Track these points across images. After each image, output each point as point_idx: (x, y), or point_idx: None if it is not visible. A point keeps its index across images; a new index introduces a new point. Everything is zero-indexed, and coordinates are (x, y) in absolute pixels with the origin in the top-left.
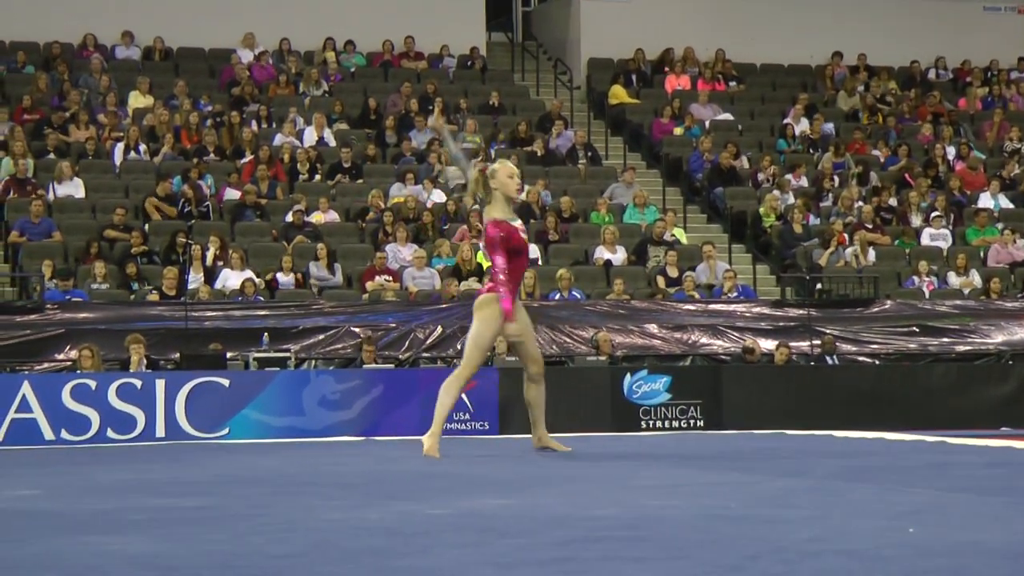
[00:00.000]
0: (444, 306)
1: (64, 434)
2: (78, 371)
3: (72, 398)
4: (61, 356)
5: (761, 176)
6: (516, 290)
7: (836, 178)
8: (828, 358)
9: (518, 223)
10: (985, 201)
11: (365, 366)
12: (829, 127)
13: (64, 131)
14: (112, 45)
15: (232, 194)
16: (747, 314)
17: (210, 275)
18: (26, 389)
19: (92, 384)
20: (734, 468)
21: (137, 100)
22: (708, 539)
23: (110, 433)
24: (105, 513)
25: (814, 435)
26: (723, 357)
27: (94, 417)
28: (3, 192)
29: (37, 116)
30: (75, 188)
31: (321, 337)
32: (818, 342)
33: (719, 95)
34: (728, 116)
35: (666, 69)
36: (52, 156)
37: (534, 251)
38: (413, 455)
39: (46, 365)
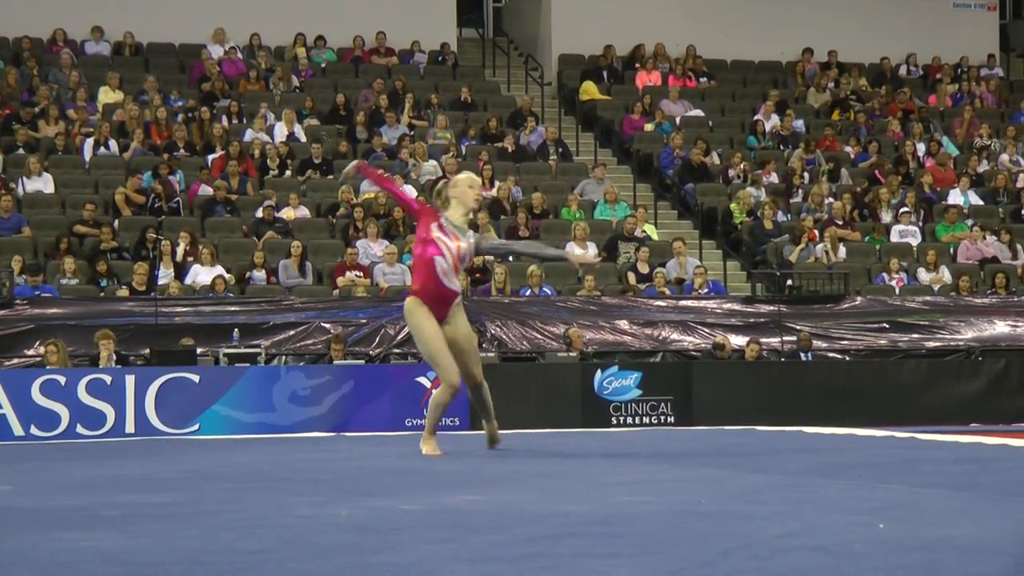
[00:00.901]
0: None
1: (34, 430)
2: (47, 367)
3: (41, 394)
4: (31, 352)
5: (732, 172)
6: (434, 306)
7: (806, 175)
8: (803, 355)
9: (453, 241)
10: (955, 197)
11: (336, 362)
12: (799, 124)
13: (33, 126)
14: (82, 40)
15: (205, 190)
16: (718, 310)
17: (180, 271)
18: None
19: (62, 380)
20: (705, 464)
21: (107, 95)
22: (680, 535)
23: (80, 429)
24: (76, 509)
25: (785, 431)
26: (694, 353)
27: (64, 413)
28: None
29: (6, 111)
30: (44, 183)
31: (292, 333)
32: (789, 338)
33: (690, 91)
34: (699, 112)
35: (637, 65)
36: (21, 151)
37: None
38: (384, 451)
39: (15, 361)
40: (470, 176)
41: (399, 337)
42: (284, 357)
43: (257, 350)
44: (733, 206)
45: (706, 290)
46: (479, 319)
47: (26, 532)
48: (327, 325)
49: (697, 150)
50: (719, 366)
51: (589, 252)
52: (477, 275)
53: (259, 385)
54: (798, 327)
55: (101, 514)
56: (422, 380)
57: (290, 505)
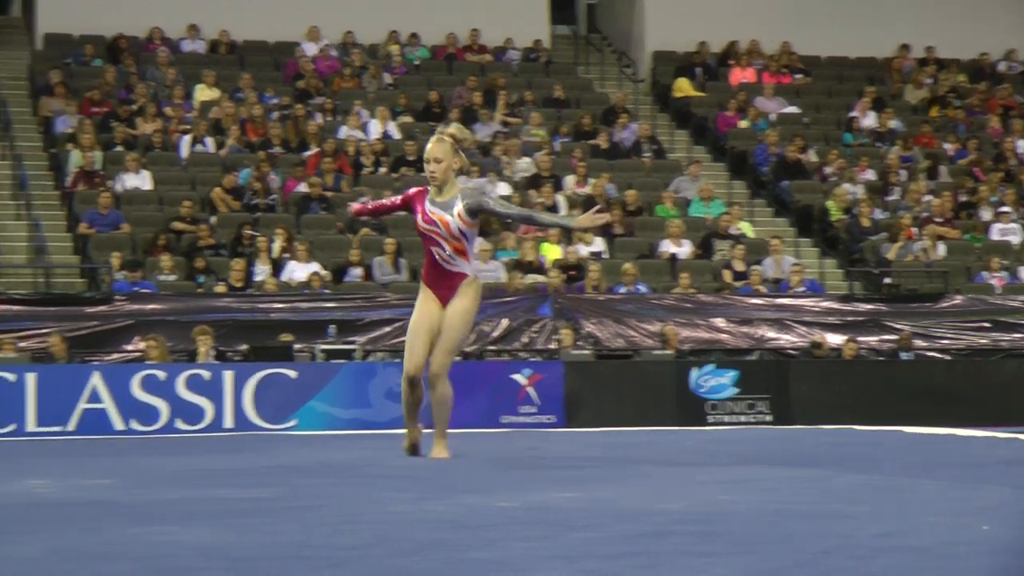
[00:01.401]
0: (509, 299)
1: (134, 424)
2: (147, 362)
3: (142, 389)
4: (130, 347)
5: (828, 170)
6: (437, 289)
7: (903, 172)
8: (902, 354)
9: (442, 224)
10: None
11: None
12: (896, 121)
13: (131, 124)
14: (178, 38)
15: (300, 187)
16: (815, 308)
17: (276, 267)
18: (96, 380)
19: (161, 375)
20: (803, 463)
21: (203, 93)
22: (778, 534)
23: (179, 424)
24: (174, 503)
25: (883, 431)
26: (791, 352)
27: (163, 408)
28: (72, 184)
29: (105, 109)
30: (142, 180)
31: (388, 329)
32: (888, 337)
33: (785, 88)
34: (794, 109)
35: (731, 62)
36: (120, 149)
37: (599, 244)
38: (478, 448)
39: (115, 356)
40: (427, 148)
41: (494, 334)
42: (380, 353)
43: (353, 346)
44: (830, 203)
45: (803, 288)
46: (574, 317)
47: (125, 526)
48: None
49: (793, 147)
50: (817, 365)
51: (683, 249)
52: (572, 272)
53: (355, 381)
54: (897, 326)
55: (199, 509)
56: (517, 377)
57: (386, 501)
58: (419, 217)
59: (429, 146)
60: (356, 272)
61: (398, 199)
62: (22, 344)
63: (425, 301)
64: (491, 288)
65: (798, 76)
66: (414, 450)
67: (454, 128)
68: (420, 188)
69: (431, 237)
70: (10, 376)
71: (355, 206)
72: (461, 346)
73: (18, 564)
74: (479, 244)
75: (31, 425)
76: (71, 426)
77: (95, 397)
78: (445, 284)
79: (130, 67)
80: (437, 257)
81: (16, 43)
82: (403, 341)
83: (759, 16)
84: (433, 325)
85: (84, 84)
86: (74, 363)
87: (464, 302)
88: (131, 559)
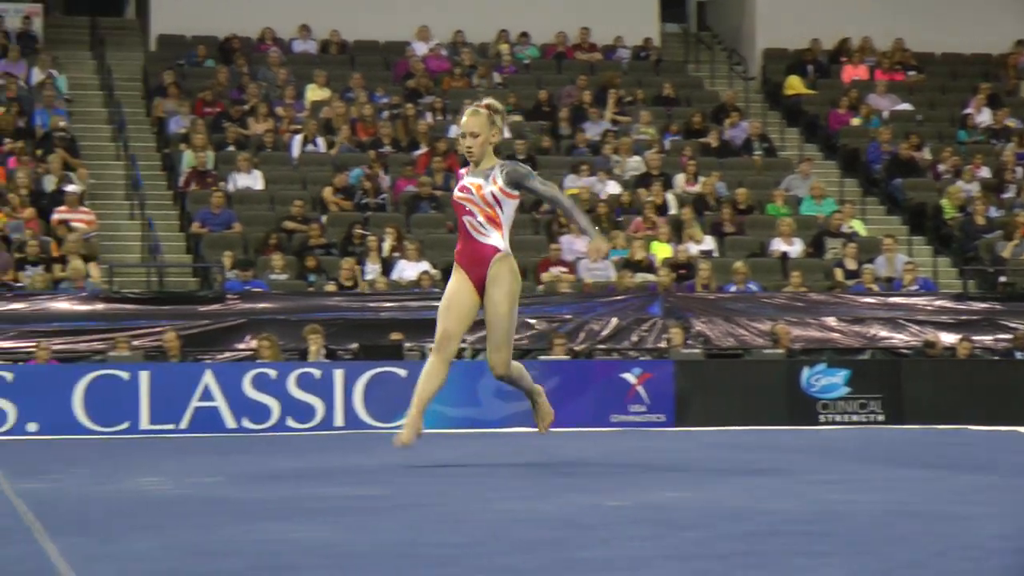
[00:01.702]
0: (619, 298)
1: (245, 422)
2: (258, 361)
3: (253, 387)
4: (242, 346)
5: (941, 167)
6: (469, 268)
7: (1019, 169)
8: (1017, 353)
9: (476, 192)
10: None
11: (540, 357)
12: (1012, 118)
13: (243, 124)
14: (290, 39)
15: (410, 186)
16: (928, 307)
17: (386, 266)
18: (208, 378)
19: (272, 373)
20: (916, 464)
21: (314, 93)
22: (891, 535)
23: (290, 422)
24: (285, 501)
25: (998, 431)
26: (903, 351)
27: (274, 406)
28: (185, 184)
29: (217, 109)
30: (254, 180)
31: None
32: (1002, 336)
33: (897, 85)
34: (907, 106)
35: (843, 59)
36: (232, 149)
37: (709, 243)
38: (588, 447)
39: (227, 354)
40: (462, 122)
41: (604, 333)
42: None
43: (463, 345)
44: (944, 201)
45: (916, 287)
46: (684, 315)
47: (236, 523)
48: (532, 320)
49: (907, 145)
50: (930, 364)
51: (794, 248)
52: (682, 271)
53: (465, 380)
54: (1012, 325)
55: (309, 506)
56: (627, 376)
57: (495, 500)
58: (455, 191)
59: (464, 119)
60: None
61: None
62: (136, 343)
63: (457, 281)
64: (601, 287)
65: (911, 73)
66: (544, 423)
67: (489, 99)
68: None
69: (463, 206)
70: (124, 374)
71: None
72: (512, 334)
73: (131, 560)
74: (588, 242)
75: (144, 423)
76: (183, 424)
77: (207, 395)
78: (476, 259)
79: (242, 67)
80: (468, 227)
81: (130, 44)
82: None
83: (872, 13)
84: (463, 303)
85: (197, 85)
86: (186, 361)
87: (502, 287)
88: (242, 556)
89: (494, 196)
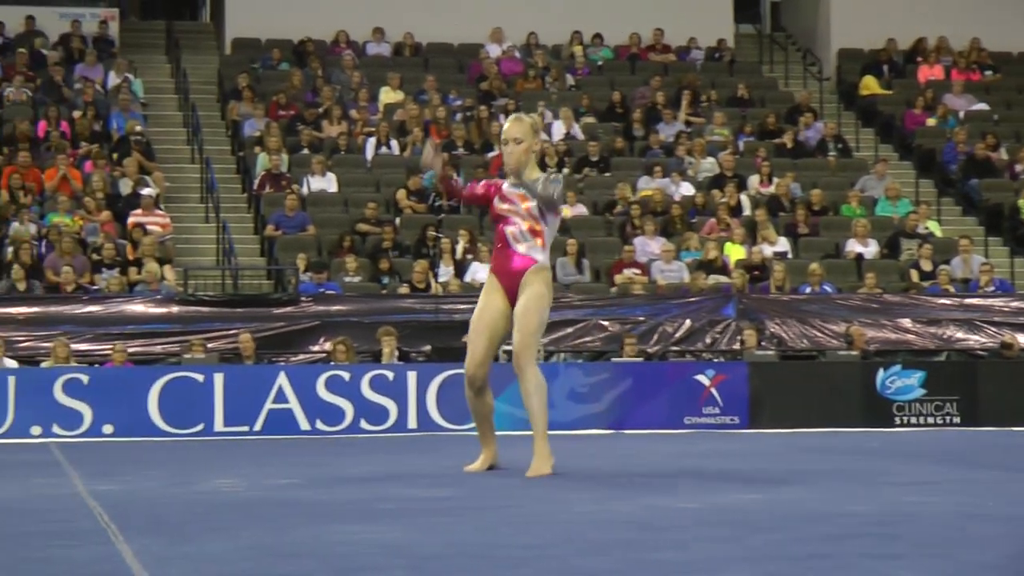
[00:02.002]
0: (693, 300)
1: (319, 424)
2: (332, 363)
3: (327, 389)
4: (315, 348)
5: (1019, 168)
6: (503, 279)
7: None
8: None
9: (521, 204)
10: None
11: (614, 359)
12: None
13: (317, 127)
14: (364, 41)
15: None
16: (1005, 308)
17: (460, 268)
18: (282, 380)
19: (346, 376)
20: (992, 466)
21: (388, 95)
22: (965, 537)
23: (363, 424)
24: (358, 502)
25: None
26: (979, 352)
27: (348, 408)
28: (259, 187)
29: (291, 112)
30: (328, 183)
31: (570, 330)
32: None
33: (974, 85)
34: (983, 106)
35: (919, 59)
36: (306, 151)
37: (783, 244)
38: (662, 449)
39: (301, 357)
40: (504, 128)
41: (677, 335)
42: (562, 354)
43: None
44: (1021, 202)
45: (992, 288)
46: (758, 317)
47: (309, 525)
48: (605, 322)
49: (983, 145)
50: (1007, 366)
51: (869, 249)
52: (756, 272)
53: None
54: None
55: (383, 508)
56: (700, 378)
57: (569, 502)
58: (495, 201)
59: (507, 125)
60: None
61: (481, 190)
62: (210, 345)
63: (489, 293)
64: (674, 288)
65: (988, 73)
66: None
67: (534, 116)
68: (494, 183)
69: (506, 217)
70: (199, 377)
71: (443, 175)
72: (541, 328)
73: (205, 562)
74: (662, 244)
75: (219, 425)
76: (257, 426)
77: (281, 397)
78: (514, 269)
79: (316, 70)
80: (509, 236)
81: (205, 48)
82: (585, 341)
83: (947, 12)
84: (496, 321)
85: (271, 88)
86: (261, 364)
87: (536, 287)
88: (316, 557)
89: (540, 210)
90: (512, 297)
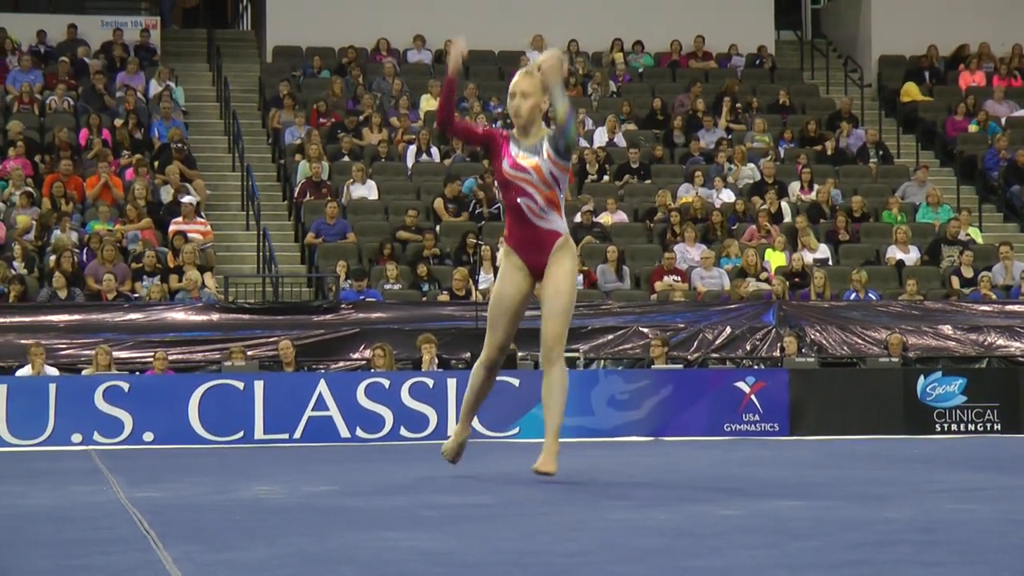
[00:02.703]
0: (733, 306)
1: (359, 432)
2: (372, 370)
3: (366, 396)
4: (356, 355)
5: None
6: (526, 253)
7: None
8: None
9: (534, 171)
10: None
11: (654, 366)
12: None
13: (358, 134)
14: (404, 49)
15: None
16: None
17: None
18: (322, 387)
19: (386, 383)
20: None
21: (428, 103)
22: (1005, 544)
23: (403, 431)
24: (398, 509)
25: None
26: (1021, 359)
27: (388, 415)
28: (299, 195)
29: (332, 120)
30: (368, 190)
31: (610, 337)
32: None
33: (1016, 91)
34: None
35: (960, 66)
36: (346, 159)
37: (824, 251)
38: (702, 456)
39: (341, 364)
40: (513, 81)
41: (717, 342)
42: (602, 361)
43: (575, 354)
44: None
45: None
46: (798, 324)
47: (351, 531)
48: (645, 329)
49: (1023, 152)
50: None
51: (910, 255)
52: (796, 279)
53: (578, 389)
54: None
55: (422, 515)
56: (740, 385)
57: (607, 509)
58: (504, 162)
59: (516, 78)
60: (579, 280)
61: (479, 130)
62: (251, 353)
63: (511, 271)
64: (714, 295)
65: None
66: (458, 453)
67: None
68: (503, 131)
69: (519, 186)
70: (239, 384)
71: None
72: (571, 311)
73: (245, 569)
74: (703, 251)
75: (259, 432)
76: (297, 433)
77: (321, 405)
78: (536, 245)
79: (357, 78)
80: (527, 210)
81: (246, 56)
82: (625, 350)
83: (989, 18)
84: (519, 305)
85: (312, 96)
86: (301, 371)
87: (566, 264)
88: (356, 564)
89: (553, 175)
90: (538, 270)
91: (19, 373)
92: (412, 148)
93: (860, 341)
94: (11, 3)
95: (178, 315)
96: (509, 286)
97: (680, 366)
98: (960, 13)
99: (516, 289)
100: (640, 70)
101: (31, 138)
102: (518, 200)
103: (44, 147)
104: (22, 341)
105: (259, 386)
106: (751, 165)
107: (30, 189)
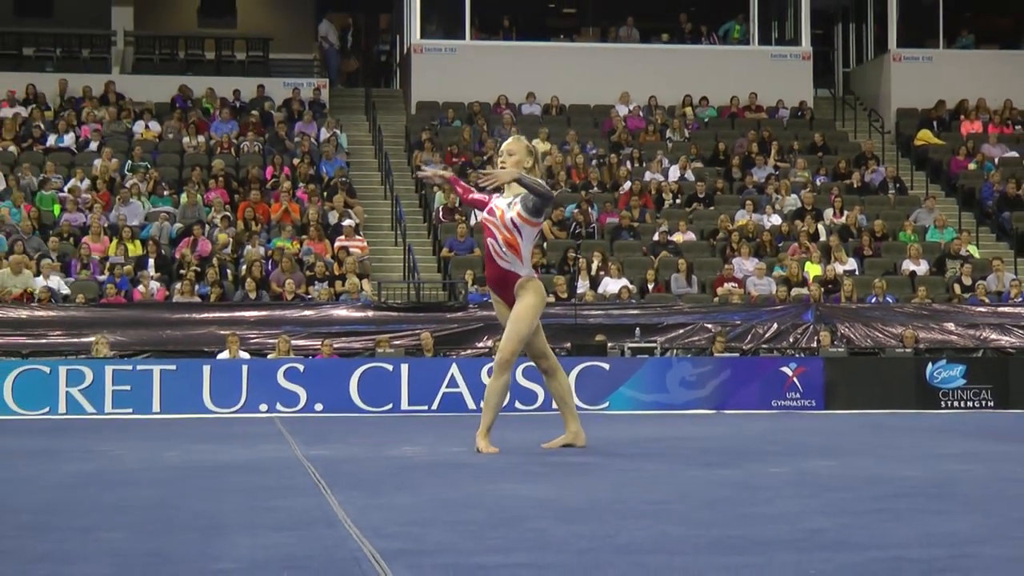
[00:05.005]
0: (779, 307)
1: (483, 405)
2: (493, 356)
3: (489, 377)
4: (480, 344)
5: None
6: (498, 291)
7: None
8: None
9: (499, 216)
10: None
11: (716, 354)
12: None
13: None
14: (519, 103)
15: (613, 219)
16: None
17: (594, 282)
18: (454, 370)
19: None
20: (1021, 441)
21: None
22: (999, 496)
23: (517, 404)
24: (515, 465)
25: None
26: (1010, 350)
27: None
28: (437, 218)
29: (462, 160)
30: None
31: (681, 331)
32: None
33: (1007, 137)
34: (1014, 154)
35: (962, 116)
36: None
37: (852, 264)
38: (755, 426)
39: (469, 351)
40: (503, 145)
41: (766, 335)
42: (675, 350)
43: (654, 344)
44: None
45: (1021, 299)
46: (832, 321)
47: (477, 483)
48: (709, 325)
49: (1013, 184)
50: None
51: (921, 267)
52: (830, 286)
53: (655, 372)
54: None
55: (533, 470)
56: (785, 369)
57: (682, 467)
58: (484, 212)
59: (506, 143)
60: (632, 290)
61: (482, 197)
62: (397, 342)
63: (496, 306)
64: (765, 299)
65: (1018, 127)
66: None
67: (536, 141)
68: (496, 194)
69: (488, 228)
70: (388, 367)
71: (451, 176)
72: (527, 337)
73: (395, 511)
74: (755, 263)
75: (404, 405)
76: (434, 406)
77: (453, 383)
78: (502, 283)
79: (482, 127)
80: (491, 250)
81: (396, 109)
82: (693, 341)
83: (985, 79)
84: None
85: (447, 140)
86: (437, 356)
87: (527, 298)
88: (482, 508)
89: (513, 222)
90: (510, 305)
91: (219, 357)
92: None
93: (880, 335)
94: (214, 68)
95: (341, 312)
96: (501, 319)
97: (736, 354)
98: (962, 75)
99: (504, 320)
100: (706, 120)
101: (229, 173)
102: (487, 240)
103: (239, 181)
104: (222, 332)
105: (404, 368)
106: (794, 195)
107: (228, 213)
